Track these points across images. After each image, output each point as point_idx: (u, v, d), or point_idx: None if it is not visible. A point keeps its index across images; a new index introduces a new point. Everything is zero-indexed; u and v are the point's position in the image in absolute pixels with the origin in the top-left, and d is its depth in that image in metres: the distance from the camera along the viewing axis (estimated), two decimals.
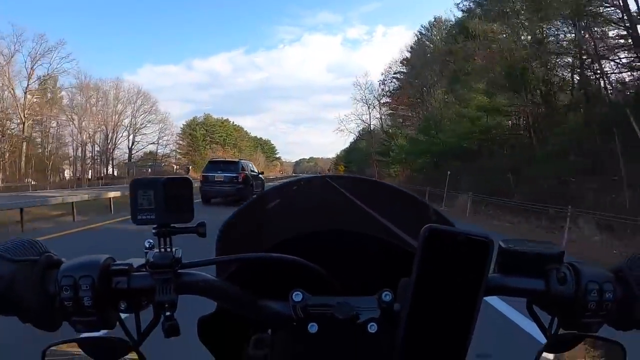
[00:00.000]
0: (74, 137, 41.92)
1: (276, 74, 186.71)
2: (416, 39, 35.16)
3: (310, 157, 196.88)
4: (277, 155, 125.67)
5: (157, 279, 0.47)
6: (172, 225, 0.49)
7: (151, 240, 0.49)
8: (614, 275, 0.51)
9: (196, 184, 13.93)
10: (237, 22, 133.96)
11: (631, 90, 14.55)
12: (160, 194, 0.48)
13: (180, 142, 73.33)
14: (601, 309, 0.49)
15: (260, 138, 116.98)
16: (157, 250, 0.48)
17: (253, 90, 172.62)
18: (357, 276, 0.57)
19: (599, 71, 15.67)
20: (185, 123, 75.31)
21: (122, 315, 0.50)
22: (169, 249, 0.48)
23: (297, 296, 0.49)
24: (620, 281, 0.50)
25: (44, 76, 38.81)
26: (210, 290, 0.50)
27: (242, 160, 17.36)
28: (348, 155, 78.95)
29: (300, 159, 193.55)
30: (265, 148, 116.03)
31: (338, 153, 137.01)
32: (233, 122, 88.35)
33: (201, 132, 74.42)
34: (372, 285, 0.51)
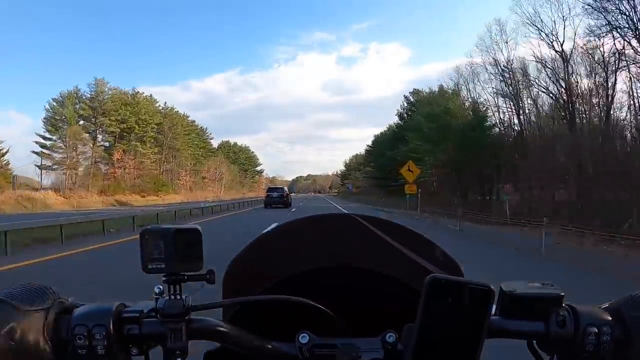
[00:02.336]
0: None
1: (272, 94, 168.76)
2: None
3: (308, 175, 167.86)
4: (259, 168, 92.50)
5: (169, 327, 0.49)
6: (182, 273, 0.50)
7: (160, 286, 0.51)
8: (612, 317, 0.52)
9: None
10: (232, 43, 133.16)
11: None
12: (170, 244, 0.49)
13: (43, 133, 40.32)
14: (599, 351, 0.51)
15: (235, 143, 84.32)
16: (168, 297, 0.50)
17: (249, 109, 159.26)
18: (362, 314, 0.59)
19: None
20: (57, 97, 41.94)
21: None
22: (178, 296, 0.50)
23: (304, 338, 0.51)
24: (618, 322, 0.52)
25: None
26: (220, 336, 0.52)
27: (284, 187, 39.80)
28: (375, 155, 46.59)
29: (297, 177, 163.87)
30: (242, 158, 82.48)
31: (347, 161, 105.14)
32: (165, 103, 55.06)
33: (83, 113, 40.92)
34: (376, 323, 0.54)
